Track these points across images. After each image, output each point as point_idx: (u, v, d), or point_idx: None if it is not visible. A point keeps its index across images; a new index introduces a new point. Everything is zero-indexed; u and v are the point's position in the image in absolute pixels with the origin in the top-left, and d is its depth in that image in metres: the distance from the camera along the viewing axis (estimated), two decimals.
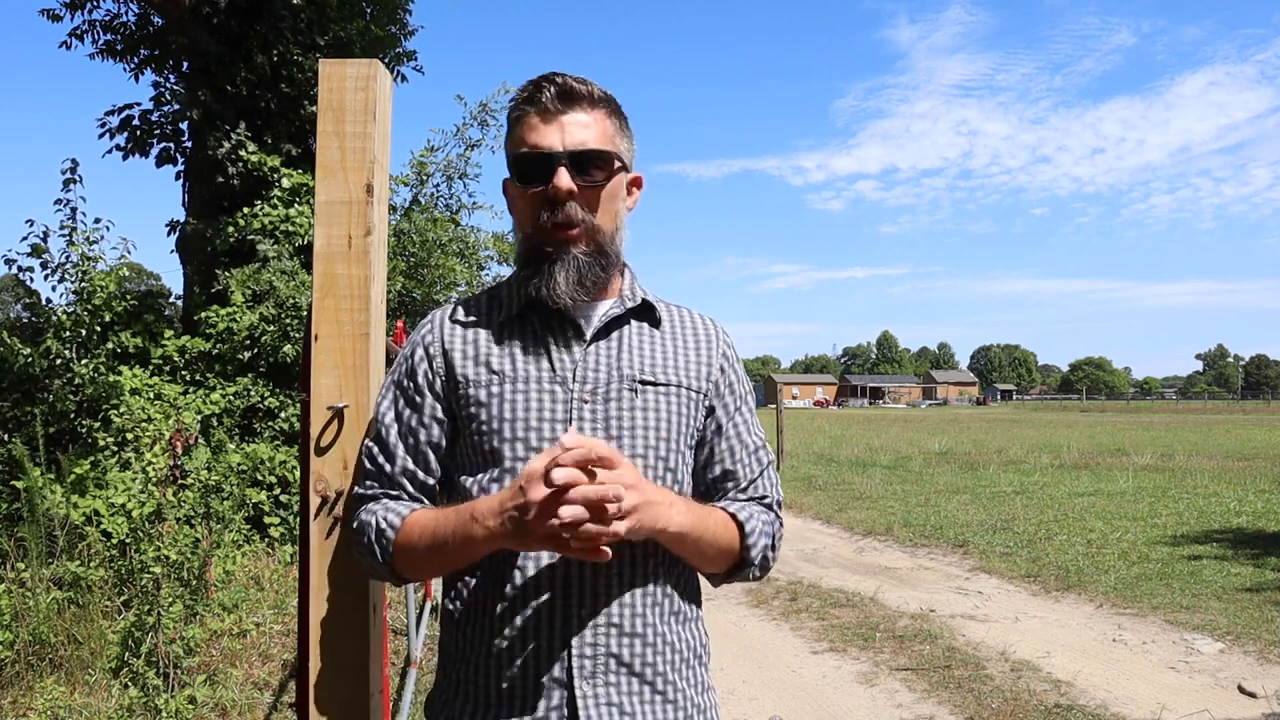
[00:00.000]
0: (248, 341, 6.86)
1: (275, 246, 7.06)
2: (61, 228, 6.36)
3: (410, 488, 1.24)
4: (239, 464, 5.91)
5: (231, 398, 6.62)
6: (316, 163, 1.43)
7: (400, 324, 4.62)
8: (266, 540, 6.12)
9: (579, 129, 1.19)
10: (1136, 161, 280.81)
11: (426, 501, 1.25)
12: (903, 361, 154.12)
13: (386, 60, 8.88)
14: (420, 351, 1.26)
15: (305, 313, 3.11)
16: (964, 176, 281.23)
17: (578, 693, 1.12)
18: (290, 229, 7.21)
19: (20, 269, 6.41)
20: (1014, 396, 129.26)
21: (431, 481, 1.26)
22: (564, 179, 1.16)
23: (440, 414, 1.23)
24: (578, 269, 1.19)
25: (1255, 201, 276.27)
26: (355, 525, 1.23)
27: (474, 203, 8.95)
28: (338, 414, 1.39)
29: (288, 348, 6.75)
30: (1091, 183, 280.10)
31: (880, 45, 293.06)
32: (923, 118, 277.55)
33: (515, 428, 1.18)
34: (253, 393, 6.75)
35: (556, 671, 1.13)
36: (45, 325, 6.46)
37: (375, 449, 1.25)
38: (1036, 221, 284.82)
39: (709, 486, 1.29)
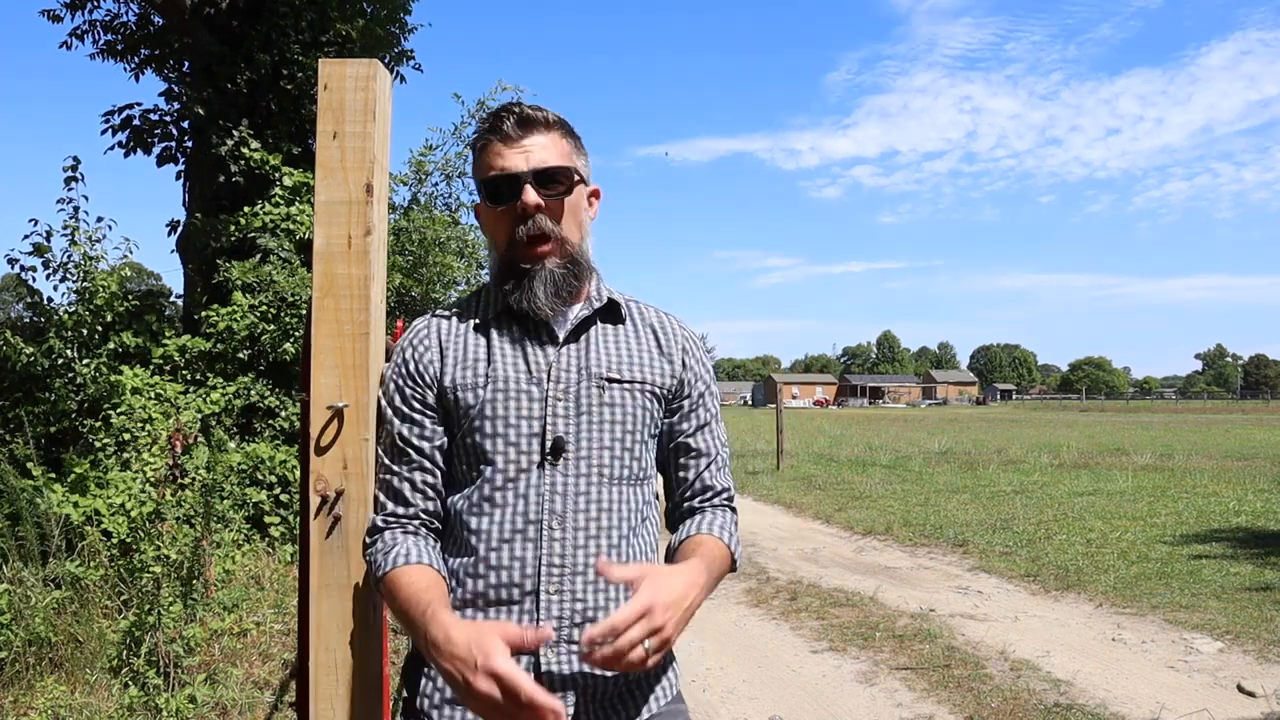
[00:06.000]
0: (248, 341, 6.87)
1: (276, 241, 7.07)
2: (64, 227, 6.35)
3: (424, 504, 1.33)
4: (239, 464, 5.91)
5: (231, 397, 6.62)
6: (316, 162, 1.43)
7: (400, 323, 4.63)
8: (266, 540, 6.12)
9: (539, 150, 1.33)
10: (1154, 144, 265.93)
11: (439, 505, 1.34)
12: (903, 361, 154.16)
13: (386, 60, 8.88)
14: (413, 366, 1.36)
15: (305, 311, 3.12)
16: (968, 160, 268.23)
17: (542, 659, 1.25)
18: (291, 227, 7.22)
19: (23, 268, 6.41)
20: (1014, 396, 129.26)
21: (441, 491, 1.35)
22: (531, 195, 1.30)
23: (439, 424, 1.34)
24: (554, 281, 1.32)
25: (1278, 188, 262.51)
26: (366, 554, 1.34)
27: (474, 201, 8.97)
28: (338, 414, 1.39)
29: (288, 346, 6.75)
30: (1104, 167, 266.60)
31: (875, 7, 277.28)
32: (923, 93, 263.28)
33: (496, 425, 1.29)
34: (253, 392, 6.75)
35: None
36: (47, 325, 6.45)
37: (393, 466, 1.34)
38: (1044, 211, 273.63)
39: (678, 473, 1.43)
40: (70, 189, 6.36)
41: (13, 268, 6.45)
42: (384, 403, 1.38)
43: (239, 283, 6.93)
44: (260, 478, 6.27)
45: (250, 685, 4.10)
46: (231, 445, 6.04)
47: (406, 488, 1.32)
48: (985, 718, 3.87)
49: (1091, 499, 10.75)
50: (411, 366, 1.35)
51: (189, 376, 6.74)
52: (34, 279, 6.49)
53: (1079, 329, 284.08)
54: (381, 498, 1.34)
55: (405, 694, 1.33)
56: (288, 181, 7.40)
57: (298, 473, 5.56)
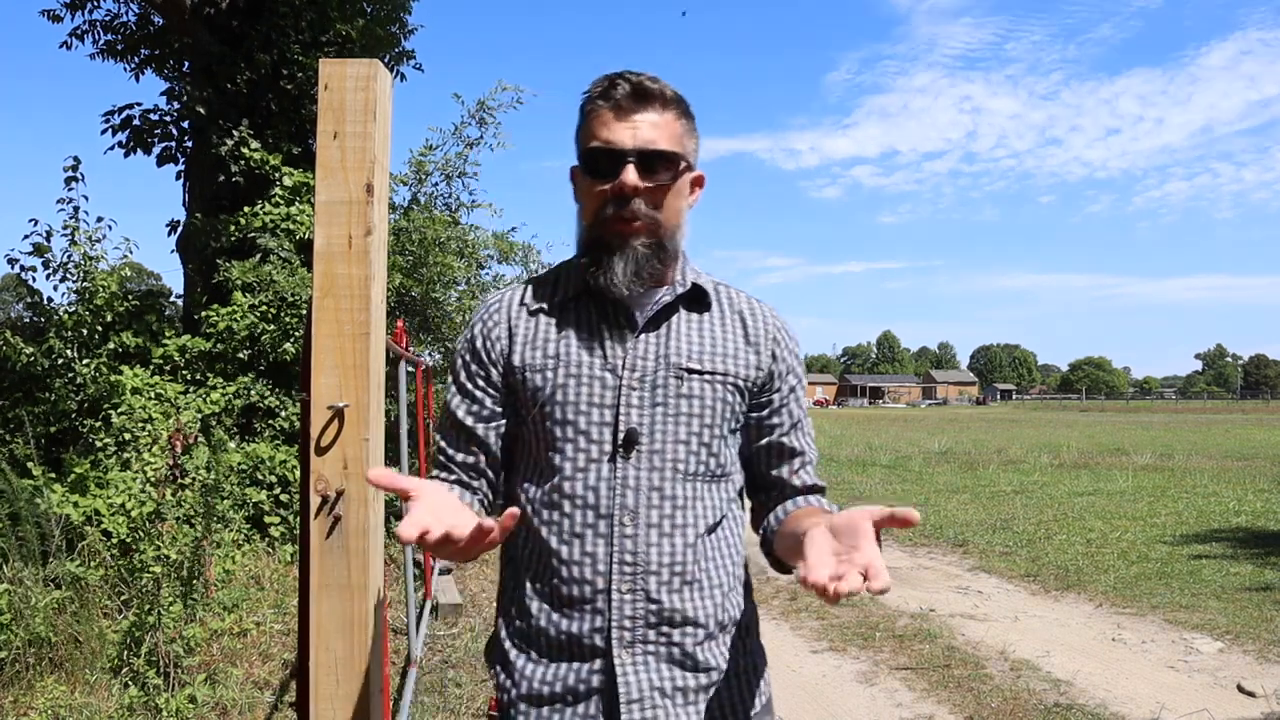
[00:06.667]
0: (248, 341, 6.86)
1: (276, 241, 7.07)
2: (64, 227, 6.36)
3: (466, 476, 1.31)
4: (239, 464, 5.91)
5: (231, 397, 6.62)
6: (316, 162, 1.43)
7: (400, 323, 4.62)
8: (266, 540, 6.12)
9: (649, 128, 1.22)
10: (1154, 144, 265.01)
11: (485, 485, 1.32)
12: (903, 361, 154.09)
13: (387, 60, 8.87)
14: (482, 344, 1.31)
15: (305, 311, 3.12)
16: (968, 160, 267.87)
17: (615, 660, 1.20)
18: (291, 227, 7.21)
19: (23, 268, 6.41)
20: (1014, 396, 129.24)
21: (492, 471, 1.32)
22: (631, 176, 1.21)
23: (500, 404, 1.30)
24: (635, 261, 1.23)
25: (1278, 188, 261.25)
26: None
27: (473, 201, 8.93)
28: (338, 414, 1.39)
29: (288, 346, 6.74)
30: (1104, 167, 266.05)
31: (875, 7, 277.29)
32: (923, 92, 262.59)
33: (565, 410, 1.23)
34: (253, 392, 6.75)
35: (598, 641, 1.21)
36: (47, 325, 6.46)
37: (441, 441, 1.33)
38: (1044, 211, 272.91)
39: (770, 473, 1.36)
40: (70, 189, 6.36)
41: (13, 268, 6.45)
42: (451, 376, 1.36)
43: (239, 283, 6.93)
44: (260, 478, 6.27)
45: (250, 685, 4.09)
46: (231, 445, 6.04)
47: (452, 461, 1.31)
48: (985, 718, 3.87)
49: (1091, 499, 10.75)
50: (478, 343, 1.31)
51: (189, 376, 6.74)
52: (34, 279, 6.50)
53: (1079, 329, 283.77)
54: (432, 468, 1.34)
55: (495, 683, 1.31)
56: (288, 181, 7.39)
57: (298, 473, 5.56)
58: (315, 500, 1.39)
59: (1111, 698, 4.09)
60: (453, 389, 1.34)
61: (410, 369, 4.81)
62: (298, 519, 5.62)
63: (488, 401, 1.30)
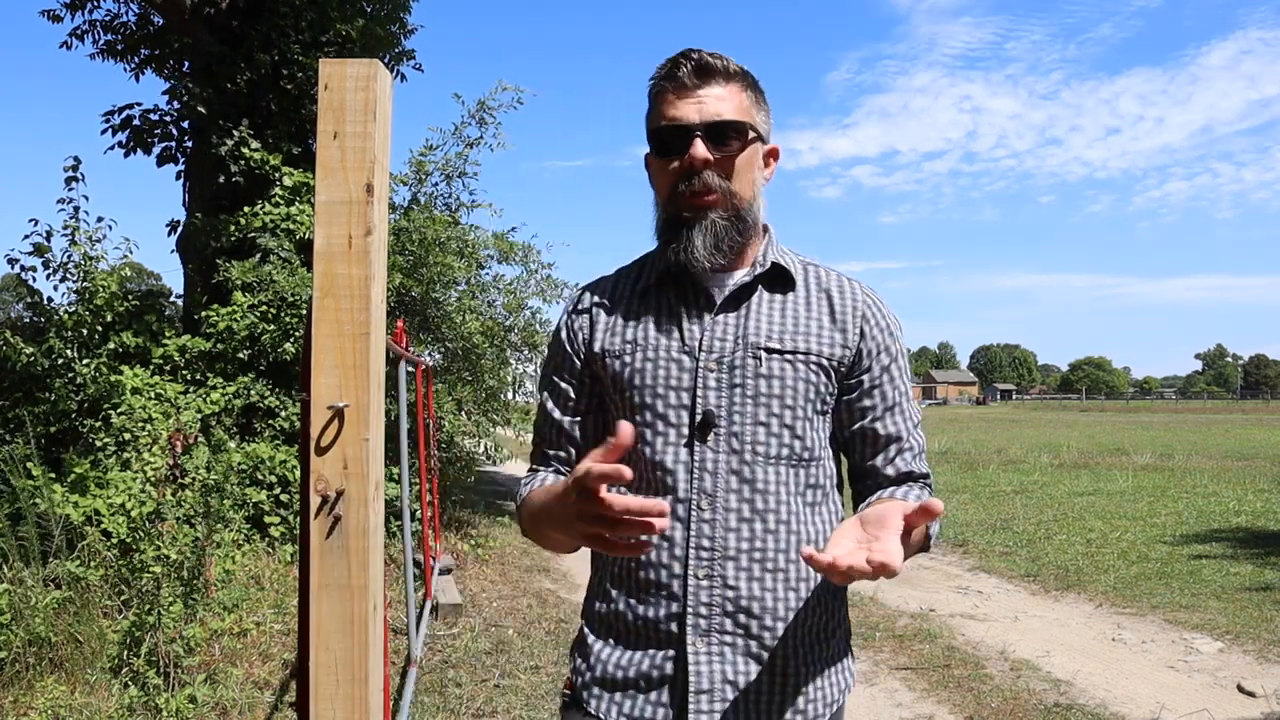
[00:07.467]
0: (248, 341, 6.86)
1: (276, 241, 7.07)
2: (64, 227, 6.36)
3: (562, 469, 1.33)
4: (239, 464, 5.90)
5: (231, 397, 6.62)
6: (316, 162, 1.43)
7: (400, 323, 4.62)
8: (266, 540, 6.12)
9: (715, 101, 1.22)
10: (1154, 143, 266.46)
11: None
12: None
13: (387, 60, 8.88)
14: (565, 334, 1.34)
15: (305, 311, 3.11)
16: (968, 160, 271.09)
17: (689, 648, 1.19)
18: (291, 227, 7.22)
19: (23, 268, 6.42)
20: (1014, 396, 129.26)
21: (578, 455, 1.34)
22: (700, 149, 1.20)
23: (583, 393, 1.32)
24: (714, 233, 1.22)
25: (1278, 188, 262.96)
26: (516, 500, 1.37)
27: (473, 201, 8.93)
28: (338, 414, 1.39)
29: (288, 346, 6.75)
30: (1104, 167, 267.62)
31: (875, 7, 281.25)
32: (923, 92, 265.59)
33: (644, 394, 1.24)
34: (253, 392, 6.75)
35: (673, 627, 1.20)
36: (47, 325, 6.46)
37: (536, 436, 1.37)
38: (1044, 211, 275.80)
39: (864, 462, 1.30)
40: (70, 189, 6.37)
41: (13, 268, 6.46)
42: (542, 370, 1.39)
43: (239, 283, 6.93)
44: (260, 478, 6.27)
45: (250, 685, 4.10)
46: (231, 445, 6.04)
47: (546, 456, 1.34)
48: (985, 718, 3.87)
49: (1091, 499, 10.75)
50: (564, 333, 1.34)
51: (189, 376, 6.74)
52: (34, 279, 6.51)
53: (1079, 329, 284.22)
54: (530, 463, 1.38)
55: (571, 667, 1.32)
56: (288, 181, 7.39)
57: (298, 473, 5.56)
58: (315, 500, 1.39)
59: (1111, 698, 4.09)
60: (542, 383, 1.37)
61: (410, 369, 4.81)
62: (298, 519, 5.62)
63: (572, 392, 1.32)
